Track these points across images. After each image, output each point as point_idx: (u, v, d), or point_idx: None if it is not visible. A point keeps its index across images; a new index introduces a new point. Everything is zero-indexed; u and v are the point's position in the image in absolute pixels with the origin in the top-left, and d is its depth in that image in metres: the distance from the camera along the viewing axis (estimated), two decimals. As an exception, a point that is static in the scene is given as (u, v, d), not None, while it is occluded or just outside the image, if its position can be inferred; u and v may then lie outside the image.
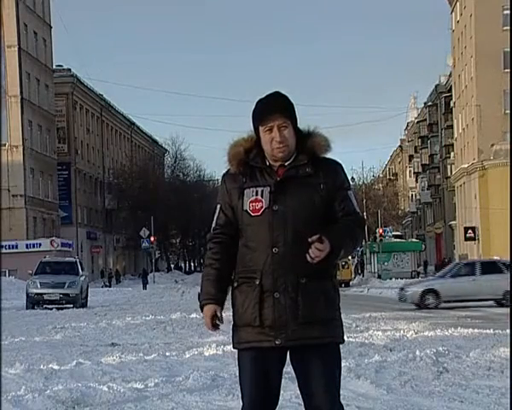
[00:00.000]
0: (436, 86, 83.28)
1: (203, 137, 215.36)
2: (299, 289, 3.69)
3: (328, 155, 3.83)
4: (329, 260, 3.63)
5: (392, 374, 8.51)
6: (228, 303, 3.85)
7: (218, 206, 3.87)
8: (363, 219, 3.88)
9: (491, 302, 25.40)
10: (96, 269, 73.43)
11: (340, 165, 3.85)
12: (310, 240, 3.57)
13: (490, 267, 26.84)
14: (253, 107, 3.79)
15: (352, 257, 74.59)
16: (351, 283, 54.29)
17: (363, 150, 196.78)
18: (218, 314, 3.78)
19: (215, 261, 3.82)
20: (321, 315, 3.71)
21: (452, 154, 75.84)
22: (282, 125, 3.72)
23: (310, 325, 3.68)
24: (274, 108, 3.73)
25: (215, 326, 3.80)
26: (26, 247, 54.78)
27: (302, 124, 3.82)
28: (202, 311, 3.81)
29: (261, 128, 3.75)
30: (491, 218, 58.76)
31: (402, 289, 27.91)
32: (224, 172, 3.88)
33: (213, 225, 3.87)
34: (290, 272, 3.69)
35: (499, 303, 25.24)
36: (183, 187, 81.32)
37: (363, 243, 64.52)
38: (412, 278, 57.85)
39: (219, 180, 3.98)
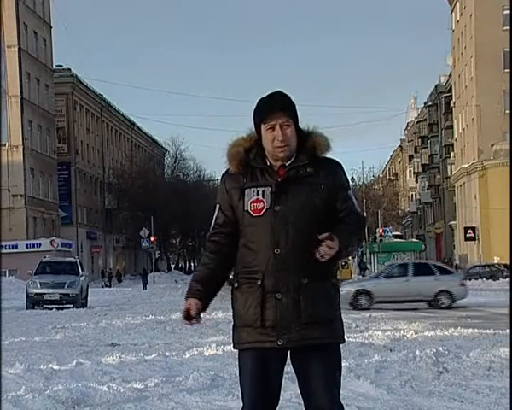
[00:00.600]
0: (436, 86, 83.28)
1: (203, 137, 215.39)
2: (301, 290, 3.68)
3: (329, 155, 3.82)
4: (336, 259, 3.64)
5: (392, 374, 8.51)
6: (228, 303, 3.84)
7: (218, 206, 3.86)
8: (364, 218, 3.90)
9: (423, 303, 25.78)
10: (96, 269, 73.41)
11: (340, 165, 3.85)
12: (320, 237, 3.56)
13: (422, 269, 27.30)
14: (255, 105, 3.78)
15: (352, 257, 74.63)
16: (351, 283, 54.20)
17: (363, 150, 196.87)
18: (195, 310, 3.72)
19: (210, 261, 3.82)
20: (323, 315, 3.71)
21: (452, 154, 75.86)
22: (284, 123, 3.71)
23: (312, 326, 3.68)
24: (277, 106, 3.72)
25: (188, 318, 3.76)
26: (26, 247, 54.77)
27: (302, 124, 3.82)
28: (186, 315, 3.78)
29: (263, 126, 3.74)
30: (491, 218, 58.78)
31: None
32: (224, 171, 3.87)
33: (212, 225, 3.87)
34: (292, 273, 3.68)
35: (430, 305, 25.48)
36: (183, 187, 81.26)
37: (363, 242, 64.53)
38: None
39: (219, 180, 3.97)
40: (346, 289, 26.73)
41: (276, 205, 3.71)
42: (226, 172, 3.85)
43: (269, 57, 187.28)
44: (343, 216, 3.75)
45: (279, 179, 3.74)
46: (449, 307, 24.96)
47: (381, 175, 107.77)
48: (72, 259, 33.49)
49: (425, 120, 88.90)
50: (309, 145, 3.77)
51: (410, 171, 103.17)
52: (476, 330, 14.24)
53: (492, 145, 60.36)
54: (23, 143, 60.05)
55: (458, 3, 69.83)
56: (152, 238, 61.47)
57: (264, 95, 3.79)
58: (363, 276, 63.80)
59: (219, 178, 3.95)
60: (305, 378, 3.75)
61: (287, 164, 3.76)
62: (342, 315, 3.85)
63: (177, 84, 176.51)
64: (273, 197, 3.72)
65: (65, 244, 58.61)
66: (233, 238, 3.79)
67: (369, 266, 67.24)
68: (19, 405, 6.92)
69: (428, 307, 25.46)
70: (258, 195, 3.73)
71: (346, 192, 3.80)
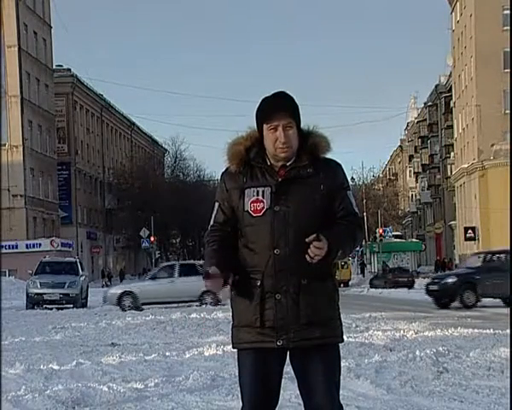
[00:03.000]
0: (436, 86, 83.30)
1: (203, 137, 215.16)
2: (301, 290, 3.68)
3: (329, 156, 3.82)
4: (328, 260, 3.63)
5: (392, 374, 8.50)
6: (228, 303, 3.83)
7: (217, 204, 3.85)
8: (361, 219, 3.88)
9: None
10: (96, 269, 73.40)
11: (340, 166, 3.85)
12: (307, 240, 3.56)
13: (188, 270, 27.51)
14: (258, 104, 3.76)
15: (352, 257, 74.68)
16: (350, 283, 54.39)
17: (363, 150, 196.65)
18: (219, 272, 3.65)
19: (218, 241, 3.77)
20: (322, 316, 3.71)
21: (452, 154, 75.86)
22: (287, 125, 3.70)
23: (311, 326, 3.68)
24: (280, 107, 3.70)
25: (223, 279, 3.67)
26: (26, 247, 54.72)
27: (302, 124, 3.81)
28: (209, 278, 3.71)
29: (265, 126, 3.72)
30: (491, 218, 58.75)
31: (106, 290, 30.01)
32: (223, 170, 3.85)
33: (211, 223, 3.85)
34: (291, 274, 3.68)
35: (200, 303, 25.62)
36: (183, 187, 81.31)
37: (363, 242, 64.57)
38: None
39: (219, 179, 3.94)
40: (112, 292, 27.75)
41: (276, 205, 3.70)
42: (226, 170, 3.83)
43: (269, 57, 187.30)
44: (339, 217, 3.74)
45: (279, 179, 3.73)
46: (216, 305, 24.71)
47: (381, 175, 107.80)
48: (72, 259, 33.53)
49: (425, 120, 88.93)
50: (309, 146, 3.76)
51: (410, 171, 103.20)
52: (476, 330, 14.22)
53: (492, 145, 60.34)
54: (23, 143, 60.04)
55: (458, 3, 69.82)
56: (152, 238, 61.49)
57: (268, 94, 3.76)
58: (363, 276, 63.92)
59: (219, 177, 3.93)
60: (305, 378, 3.75)
61: (287, 164, 3.75)
62: (342, 315, 3.86)
63: (176, 84, 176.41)
64: (273, 197, 3.71)
65: (65, 244, 58.58)
66: (233, 237, 3.79)
67: (368, 266, 67.30)
68: (19, 405, 6.92)
69: (197, 304, 25.50)
70: (258, 195, 3.72)
71: (345, 192, 3.80)
